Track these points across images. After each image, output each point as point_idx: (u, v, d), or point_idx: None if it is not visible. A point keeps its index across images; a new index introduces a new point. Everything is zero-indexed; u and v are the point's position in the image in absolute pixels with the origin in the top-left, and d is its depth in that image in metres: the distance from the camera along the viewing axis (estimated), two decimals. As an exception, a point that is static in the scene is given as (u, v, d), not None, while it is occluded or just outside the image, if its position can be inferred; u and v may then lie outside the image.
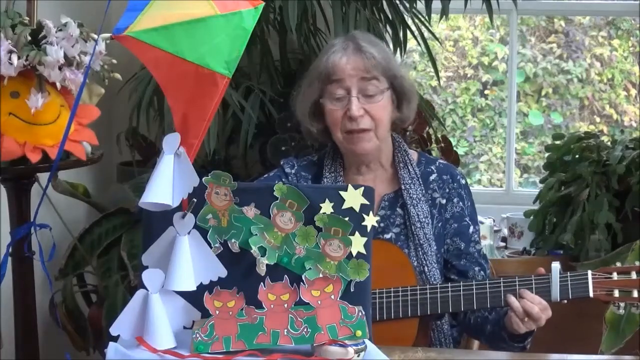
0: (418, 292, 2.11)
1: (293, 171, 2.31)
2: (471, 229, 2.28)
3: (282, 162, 2.33)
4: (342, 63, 2.20)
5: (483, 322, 2.19)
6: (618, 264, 2.14)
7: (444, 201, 2.27)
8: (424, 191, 2.25)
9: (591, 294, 2.06)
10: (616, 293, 2.06)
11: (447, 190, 2.27)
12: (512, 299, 2.06)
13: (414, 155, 2.32)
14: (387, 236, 2.24)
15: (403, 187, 2.25)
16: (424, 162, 2.31)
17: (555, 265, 2.09)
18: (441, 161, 2.34)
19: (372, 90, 2.20)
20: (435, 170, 2.29)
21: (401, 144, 2.31)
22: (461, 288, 2.11)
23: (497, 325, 2.14)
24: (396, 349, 1.91)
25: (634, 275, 2.06)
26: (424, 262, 2.20)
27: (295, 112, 2.35)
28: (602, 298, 2.07)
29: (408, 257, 2.19)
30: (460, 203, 2.27)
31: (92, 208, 3.13)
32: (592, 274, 2.07)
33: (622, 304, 2.08)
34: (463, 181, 2.30)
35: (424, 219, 2.23)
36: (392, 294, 2.11)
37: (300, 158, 2.37)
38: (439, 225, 2.26)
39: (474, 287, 2.11)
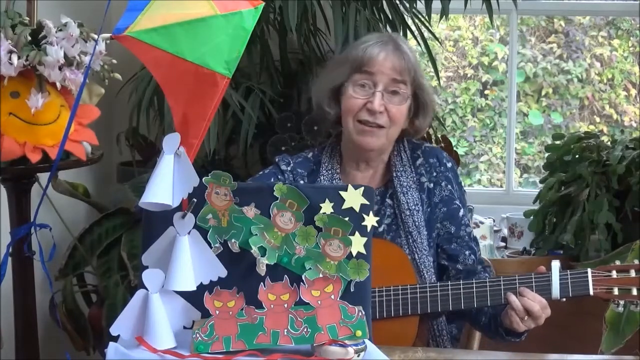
0: (418, 290, 2.12)
1: (289, 168, 2.30)
2: (461, 212, 2.27)
3: (277, 160, 2.33)
4: (380, 58, 2.22)
5: (478, 313, 2.19)
6: (617, 262, 2.15)
7: (431, 185, 2.27)
8: (414, 177, 2.25)
9: (591, 292, 2.07)
10: (615, 291, 2.07)
11: (435, 174, 2.27)
12: (513, 297, 2.06)
13: (405, 141, 2.32)
14: (379, 229, 2.24)
15: (394, 174, 2.26)
16: (410, 148, 2.31)
17: (555, 264, 2.09)
18: (427, 144, 2.35)
19: (398, 92, 2.22)
20: (421, 155, 2.29)
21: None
22: (461, 286, 2.11)
23: (494, 320, 2.14)
24: (396, 349, 1.91)
25: (633, 274, 2.07)
26: (415, 249, 2.21)
27: (313, 91, 2.35)
28: (602, 296, 2.08)
29: (403, 251, 2.19)
30: (449, 186, 2.27)
31: (92, 208, 3.13)
32: (592, 272, 2.08)
33: (621, 302, 2.09)
34: (449, 164, 2.30)
35: (413, 207, 2.23)
36: (391, 292, 2.11)
37: (295, 155, 2.36)
38: (428, 210, 2.26)
39: (474, 285, 2.11)
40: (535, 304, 2.05)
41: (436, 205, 2.26)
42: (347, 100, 2.24)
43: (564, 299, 2.08)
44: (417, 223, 2.22)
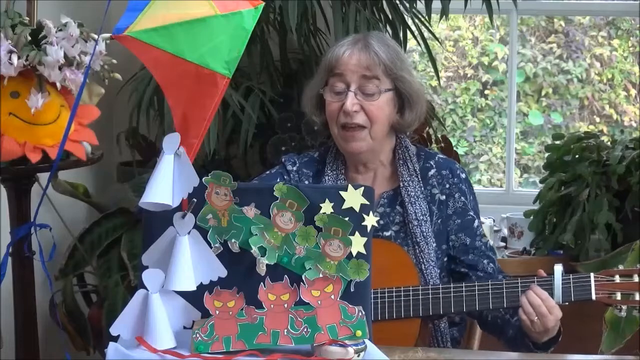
0: (420, 292, 2.11)
1: (295, 168, 2.30)
2: (476, 222, 2.26)
3: (283, 159, 2.33)
4: (345, 57, 2.20)
5: (504, 324, 2.18)
6: (620, 267, 2.14)
7: (443, 197, 2.25)
8: (422, 188, 2.25)
9: (594, 297, 2.06)
10: (618, 296, 2.05)
11: (448, 185, 2.26)
12: (522, 297, 2.05)
13: (413, 149, 2.30)
14: (387, 234, 2.24)
15: (402, 184, 2.25)
16: (423, 157, 2.29)
17: (558, 268, 2.08)
18: (440, 156, 2.32)
19: (371, 89, 2.20)
20: (434, 165, 2.27)
21: (403, 140, 2.30)
22: (463, 289, 2.11)
23: (520, 331, 2.12)
24: (396, 349, 1.91)
25: (636, 278, 2.05)
26: (421, 259, 2.20)
27: (302, 102, 2.35)
28: (604, 301, 2.07)
29: (409, 256, 2.19)
30: (462, 198, 2.26)
31: (92, 208, 3.13)
32: (595, 277, 2.06)
33: (623, 307, 2.07)
34: (463, 175, 2.28)
35: (421, 217, 2.22)
36: (393, 294, 2.11)
37: (302, 155, 2.36)
38: (439, 222, 2.25)
39: (476, 287, 2.10)
40: (537, 297, 2.03)
41: (449, 217, 2.25)
42: (327, 107, 2.24)
43: (566, 303, 2.07)
44: (425, 234, 2.21)
